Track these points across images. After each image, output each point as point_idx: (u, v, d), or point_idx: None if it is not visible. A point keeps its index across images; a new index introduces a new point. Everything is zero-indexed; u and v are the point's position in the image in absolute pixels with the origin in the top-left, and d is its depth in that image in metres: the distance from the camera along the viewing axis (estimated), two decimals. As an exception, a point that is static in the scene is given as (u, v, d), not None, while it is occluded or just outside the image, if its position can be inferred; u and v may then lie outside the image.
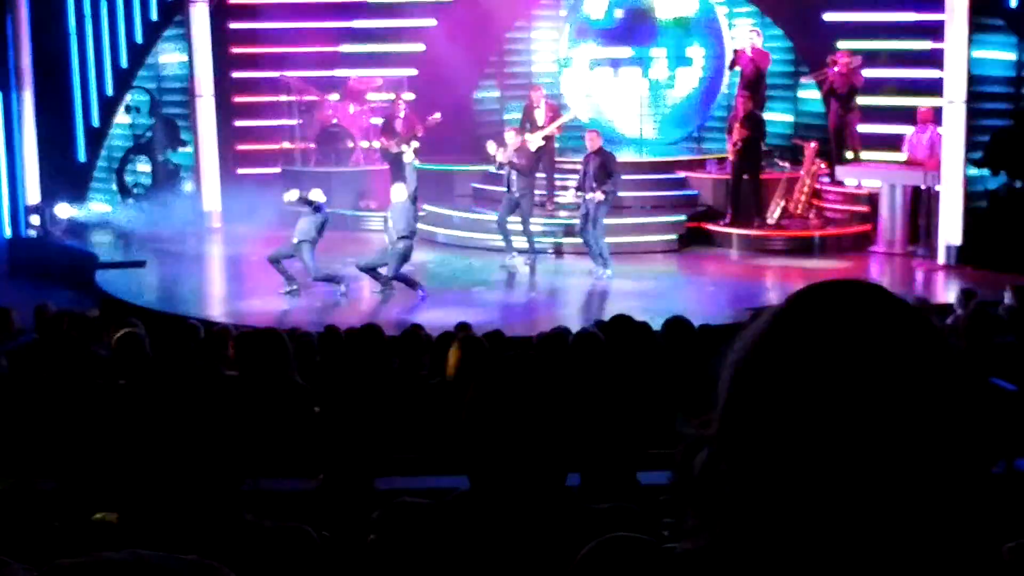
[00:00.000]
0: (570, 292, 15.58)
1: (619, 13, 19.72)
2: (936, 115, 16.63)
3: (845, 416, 1.23)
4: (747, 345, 1.32)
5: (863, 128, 17.94)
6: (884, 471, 1.22)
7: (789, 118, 19.90)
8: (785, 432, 1.25)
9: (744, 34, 19.12)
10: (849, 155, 17.78)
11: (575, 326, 9.17)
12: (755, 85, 18.07)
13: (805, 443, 1.24)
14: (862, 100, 17.85)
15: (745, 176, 17.34)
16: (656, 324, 8.18)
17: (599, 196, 15.48)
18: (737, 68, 18.45)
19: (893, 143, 17.51)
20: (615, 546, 1.52)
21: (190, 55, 19.65)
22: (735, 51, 18.56)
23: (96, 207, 19.95)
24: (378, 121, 19.69)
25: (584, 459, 4.55)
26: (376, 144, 19.41)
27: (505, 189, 16.13)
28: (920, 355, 1.26)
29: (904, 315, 1.29)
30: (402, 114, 18.58)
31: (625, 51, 19.64)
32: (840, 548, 1.23)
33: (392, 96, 19.53)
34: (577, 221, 16.25)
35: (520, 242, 16.31)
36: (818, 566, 1.24)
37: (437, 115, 17.99)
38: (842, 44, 18.08)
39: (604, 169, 15.57)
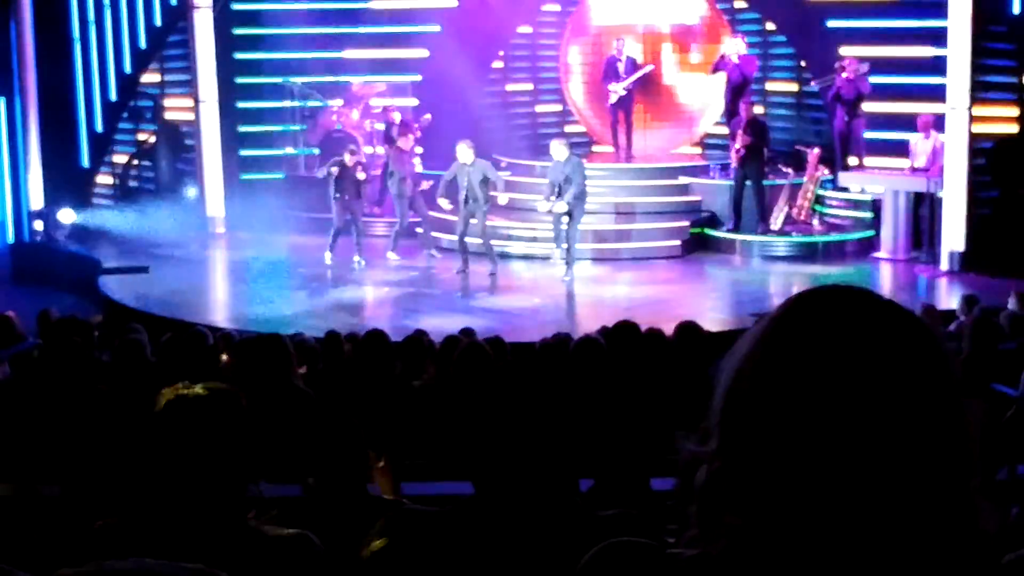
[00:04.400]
0: (573, 298, 15.58)
1: None
2: (937, 122, 16.65)
3: (840, 421, 1.24)
4: (741, 356, 1.33)
5: (868, 135, 17.96)
6: (878, 474, 1.23)
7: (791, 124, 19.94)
8: (781, 439, 1.26)
9: (730, 39, 19.04)
10: (853, 161, 17.78)
11: (577, 332, 9.18)
12: (741, 90, 18.10)
13: (801, 449, 1.25)
14: (867, 107, 17.85)
15: (748, 182, 17.34)
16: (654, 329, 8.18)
17: (562, 207, 15.64)
18: (721, 73, 18.44)
19: (897, 149, 17.51)
20: (618, 551, 1.52)
21: (193, 60, 19.67)
22: (721, 56, 18.52)
23: (99, 212, 19.95)
24: (381, 127, 19.76)
25: (597, 465, 4.56)
26: (380, 150, 19.48)
27: (464, 202, 16.15)
28: (913, 359, 1.27)
29: (897, 319, 1.30)
30: (397, 119, 18.72)
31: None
32: (841, 552, 1.24)
33: (386, 102, 19.67)
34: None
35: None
36: (822, 571, 1.25)
37: (427, 116, 18.30)
38: (845, 50, 18.08)
39: (567, 178, 15.66)
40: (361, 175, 16.88)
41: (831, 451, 1.24)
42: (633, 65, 18.74)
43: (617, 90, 18.61)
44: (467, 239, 16.19)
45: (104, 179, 21.25)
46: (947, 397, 1.27)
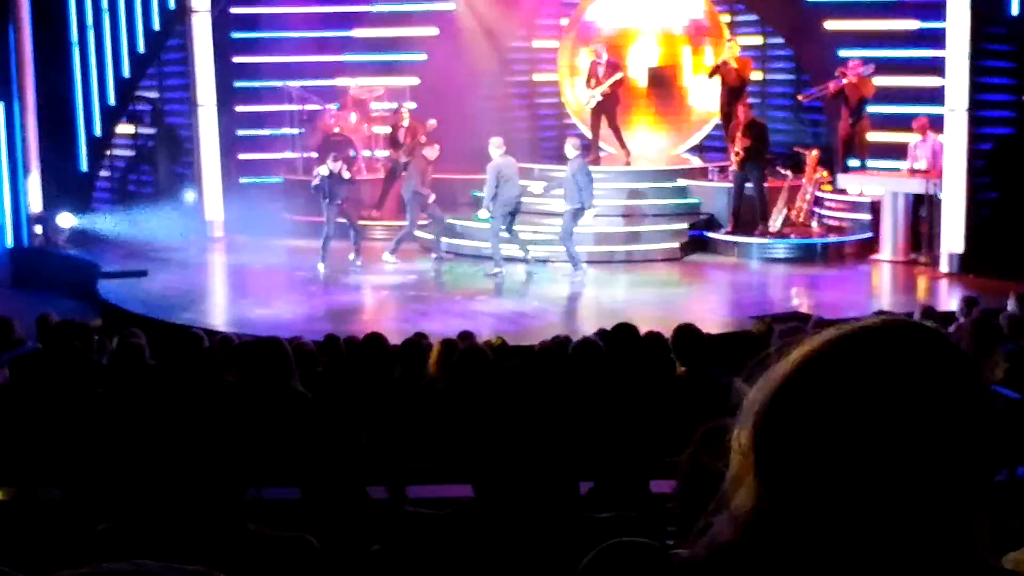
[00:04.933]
0: (571, 301, 15.59)
1: None
2: (933, 124, 16.68)
3: (883, 451, 1.24)
4: (793, 369, 1.33)
5: (869, 136, 17.98)
6: (911, 506, 1.25)
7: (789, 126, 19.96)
8: (818, 456, 1.26)
9: (727, 43, 18.98)
10: (855, 163, 17.79)
11: (576, 335, 9.17)
12: (738, 93, 18.10)
13: (836, 469, 1.25)
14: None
15: (747, 184, 17.35)
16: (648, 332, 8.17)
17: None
18: (718, 76, 18.44)
19: (896, 151, 17.52)
20: (619, 551, 1.52)
21: (191, 64, 19.67)
22: (723, 61, 18.50)
23: (98, 217, 19.93)
24: (380, 130, 19.76)
25: (596, 467, 4.56)
26: (379, 153, 19.49)
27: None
28: (964, 407, 1.28)
29: (956, 365, 1.30)
30: (405, 123, 18.74)
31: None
32: (860, 561, 1.25)
33: (395, 105, 19.65)
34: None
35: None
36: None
37: (432, 121, 18.26)
38: (844, 53, 18.09)
39: (575, 180, 15.80)
40: (346, 174, 16.90)
41: (864, 470, 1.25)
42: (613, 69, 18.63)
43: (595, 95, 18.55)
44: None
45: (103, 183, 21.24)
46: (979, 438, 1.29)
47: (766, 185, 17.51)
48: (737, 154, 17.29)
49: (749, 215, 17.48)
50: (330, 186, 16.64)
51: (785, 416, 1.31)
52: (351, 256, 16.89)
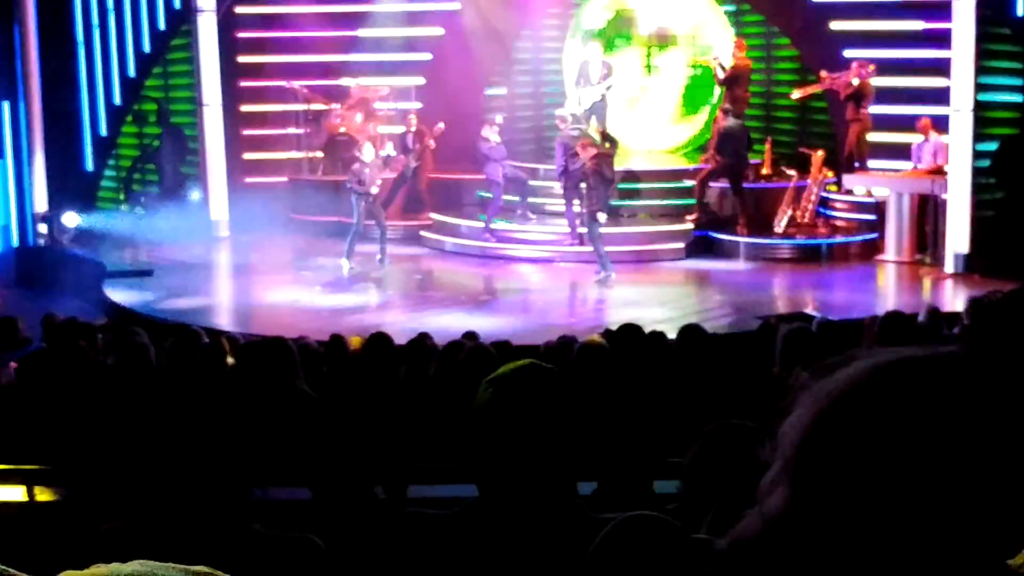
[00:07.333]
0: (578, 300, 15.58)
1: None
2: (935, 124, 16.67)
3: (926, 483, 1.23)
4: (839, 391, 1.31)
5: (871, 136, 17.96)
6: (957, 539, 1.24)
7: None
8: (857, 481, 1.25)
9: (726, 45, 18.88)
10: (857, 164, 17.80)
11: (582, 335, 9.18)
12: (736, 92, 18.11)
13: (872, 494, 1.24)
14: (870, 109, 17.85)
15: (730, 184, 17.55)
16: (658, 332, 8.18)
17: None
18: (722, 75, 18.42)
19: (901, 152, 17.51)
20: (635, 525, 1.51)
21: (197, 64, 19.68)
22: (715, 58, 18.46)
23: (104, 216, 19.93)
24: (385, 130, 19.75)
25: (600, 467, 4.56)
26: (384, 153, 19.50)
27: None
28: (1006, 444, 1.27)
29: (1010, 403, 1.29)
30: (413, 128, 18.73)
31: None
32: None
33: (399, 105, 19.67)
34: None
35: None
36: None
37: (441, 125, 18.23)
38: (848, 53, 18.08)
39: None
40: (381, 151, 17.02)
41: (907, 503, 1.24)
42: (607, 71, 18.45)
43: (591, 95, 18.37)
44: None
45: (108, 183, 21.26)
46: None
47: (750, 186, 17.64)
48: (714, 159, 17.53)
49: (750, 216, 17.48)
50: (369, 179, 16.60)
51: (827, 440, 1.29)
52: (379, 257, 16.87)
